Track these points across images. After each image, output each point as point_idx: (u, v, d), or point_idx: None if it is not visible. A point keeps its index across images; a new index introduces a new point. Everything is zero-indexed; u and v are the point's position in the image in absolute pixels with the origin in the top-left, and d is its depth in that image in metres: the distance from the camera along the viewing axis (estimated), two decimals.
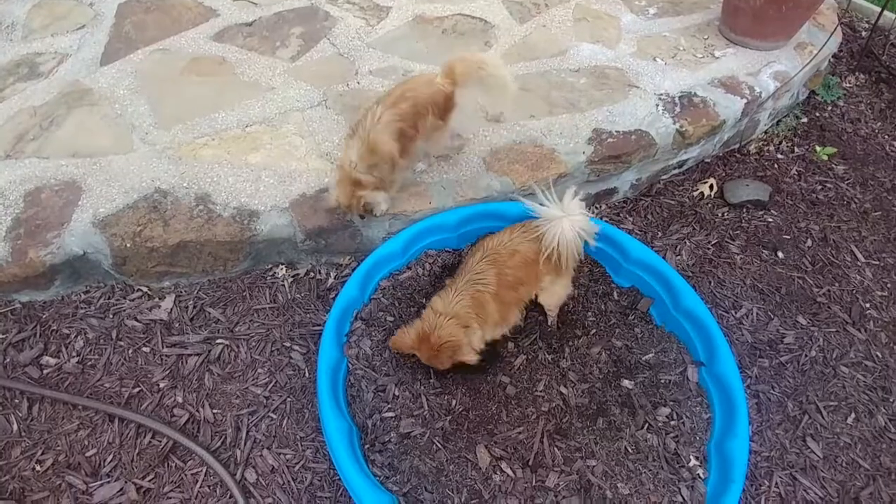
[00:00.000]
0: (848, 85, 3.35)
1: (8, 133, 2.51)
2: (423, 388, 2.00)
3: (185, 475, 1.86)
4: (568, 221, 1.86)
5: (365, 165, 2.02)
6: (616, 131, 2.52)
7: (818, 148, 2.96)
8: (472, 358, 1.85)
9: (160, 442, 1.92)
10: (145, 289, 2.28)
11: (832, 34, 2.95)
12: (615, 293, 2.27)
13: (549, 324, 2.15)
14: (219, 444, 1.93)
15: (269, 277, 2.34)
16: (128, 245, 2.15)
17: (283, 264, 2.36)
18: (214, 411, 2.00)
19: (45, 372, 2.07)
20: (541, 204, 1.92)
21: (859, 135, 3.09)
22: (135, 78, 2.75)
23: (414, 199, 2.30)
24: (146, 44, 2.92)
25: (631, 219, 2.62)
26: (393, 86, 2.18)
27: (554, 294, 2.07)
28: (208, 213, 2.23)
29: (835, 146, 2.97)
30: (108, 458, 1.90)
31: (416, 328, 1.85)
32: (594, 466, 1.85)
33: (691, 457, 1.88)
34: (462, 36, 3.02)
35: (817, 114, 3.19)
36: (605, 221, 2.42)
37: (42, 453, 1.91)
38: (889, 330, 2.31)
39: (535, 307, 2.15)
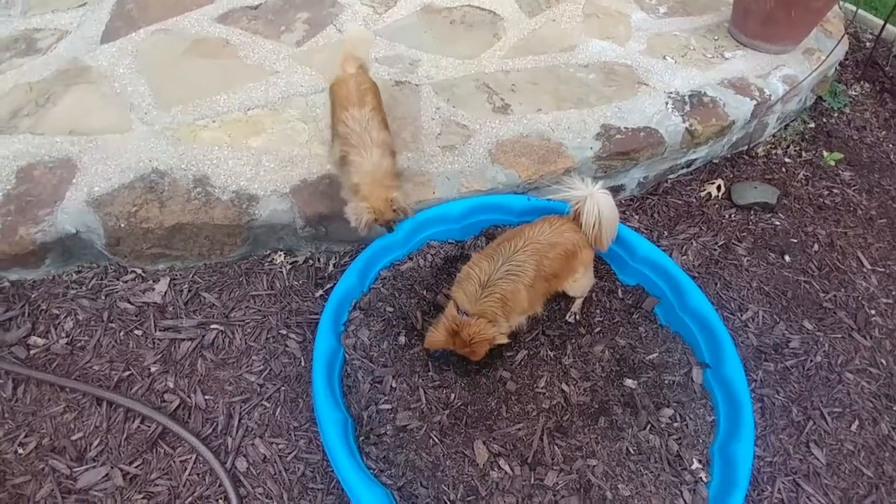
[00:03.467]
0: (853, 93, 3.34)
1: (2, 108, 2.44)
2: (421, 380, 1.95)
3: (174, 462, 1.81)
4: (601, 194, 1.87)
5: (387, 168, 1.97)
6: (625, 128, 2.48)
7: (825, 153, 2.94)
8: (504, 340, 1.83)
9: (149, 427, 1.86)
10: (139, 271, 2.22)
11: (839, 41, 2.94)
12: (620, 291, 2.23)
13: (571, 317, 2.12)
14: (209, 431, 1.87)
15: (266, 264, 2.28)
16: (122, 225, 2.09)
17: (281, 251, 2.31)
18: (206, 398, 1.94)
19: (31, 352, 2.01)
20: (568, 188, 1.93)
21: (865, 142, 3.08)
22: (135, 57, 2.69)
23: (418, 189, 2.26)
24: (148, 23, 2.86)
25: (637, 217, 2.58)
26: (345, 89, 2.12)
27: (582, 285, 2.04)
28: (206, 196, 2.17)
29: (841, 152, 2.95)
30: (95, 443, 1.84)
31: (443, 325, 1.81)
32: (594, 466, 1.81)
33: (694, 459, 1.84)
34: (470, 27, 2.98)
35: (824, 119, 3.17)
36: None
37: (25, 436, 1.84)
38: (894, 337, 2.28)
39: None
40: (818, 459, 1.95)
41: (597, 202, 1.86)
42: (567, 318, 2.12)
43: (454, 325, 1.78)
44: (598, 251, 2.08)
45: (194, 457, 1.81)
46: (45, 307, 2.12)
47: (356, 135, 1.97)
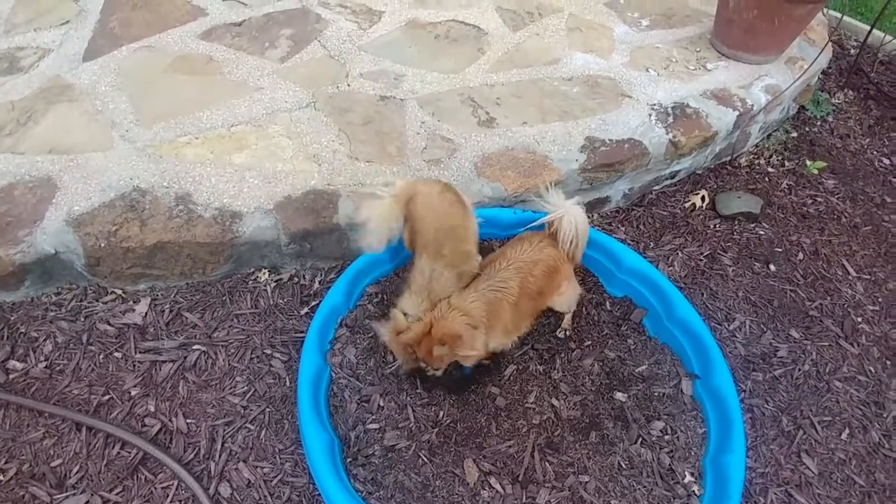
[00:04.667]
0: (837, 101, 3.38)
1: None
2: (409, 398, 1.92)
3: (155, 489, 1.76)
4: (575, 209, 1.86)
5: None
6: (609, 140, 2.49)
7: (808, 162, 2.96)
8: (468, 354, 1.74)
9: (129, 453, 1.81)
10: (119, 291, 2.18)
11: (823, 49, 2.97)
12: (608, 303, 2.22)
13: (561, 333, 2.10)
14: (192, 456, 1.82)
15: (250, 282, 2.25)
16: (102, 245, 2.05)
17: (265, 268, 2.28)
18: (188, 421, 1.90)
19: (10, 377, 1.96)
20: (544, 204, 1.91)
21: (849, 150, 3.11)
22: (117, 75, 2.67)
23: None
24: (131, 41, 2.84)
25: (623, 228, 2.58)
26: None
27: (568, 298, 2.02)
28: (188, 214, 2.15)
29: (824, 161, 2.98)
30: (75, 469, 1.79)
31: (426, 320, 1.74)
32: (587, 482, 1.79)
33: (686, 472, 1.82)
34: (455, 42, 2.99)
35: (807, 129, 3.20)
36: (598, 230, 2.38)
37: (5, 462, 1.79)
38: (881, 345, 2.28)
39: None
40: (810, 469, 1.94)
41: (574, 218, 1.85)
42: (557, 333, 2.11)
43: (434, 318, 1.71)
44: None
45: (176, 483, 1.76)
46: (24, 330, 2.07)
47: (417, 283, 1.84)
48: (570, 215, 1.85)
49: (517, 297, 1.81)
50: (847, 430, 2.04)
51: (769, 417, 2.04)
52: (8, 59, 2.75)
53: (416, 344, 1.72)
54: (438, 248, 1.80)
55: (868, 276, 2.51)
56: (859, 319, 2.35)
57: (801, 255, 2.55)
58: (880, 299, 2.43)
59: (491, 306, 1.79)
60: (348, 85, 2.70)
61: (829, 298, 2.41)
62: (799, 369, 2.17)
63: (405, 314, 1.80)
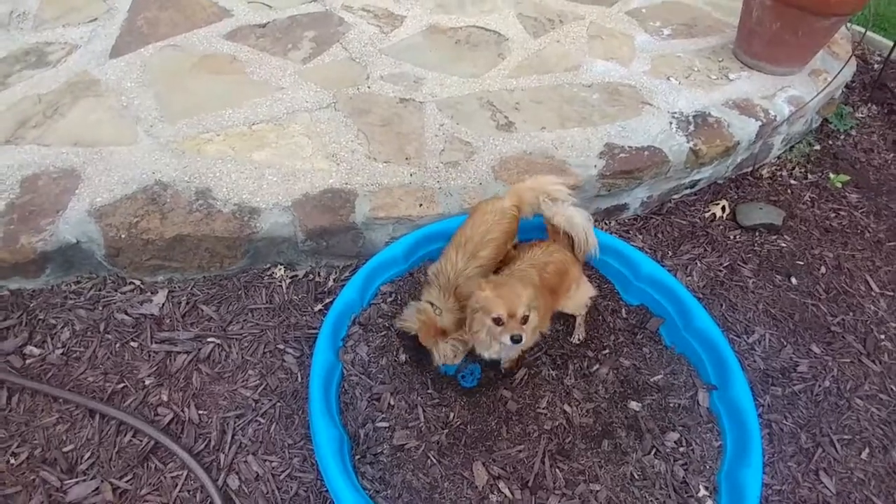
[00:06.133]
0: (860, 115, 3.33)
1: (9, 119, 2.47)
2: (420, 398, 1.91)
3: (165, 478, 1.76)
4: (571, 207, 1.96)
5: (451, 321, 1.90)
6: (628, 146, 2.47)
7: (832, 175, 2.91)
8: (531, 325, 1.65)
9: (141, 441, 1.82)
10: (138, 282, 2.21)
11: (847, 63, 2.94)
12: (623, 311, 2.19)
13: (575, 338, 2.08)
14: (202, 446, 1.83)
15: (266, 277, 2.26)
16: (122, 236, 2.08)
17: (281, 264, 2.29)
18: (200, 412, 1.90)
19: (27, 362, 1.99)
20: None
21: (872, 165, 3.05)
22: (143, 71, 2.72)
23: (419, 205, 2.24)
24: (158, 39, 2.90)
25: (641, 237, 2.55)
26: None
27: (578, 300, 2.02)
28: (208, 208, 2.17)
29: (848, 174, 2.93)
30: (86, 455, 1.80)
31: (480, 291, 1.68)
32: (598, 491, 1.75)
33: (700, 486, 1.78)
34: (475, 47, 3.01)
35: (830, 142, 3.15)
36: (615, 237, 2.35)
37: (18, 446, 1.81)
38: None
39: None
40: (828, 488, 1.89)
41: (570, 213, 1.93)
42: (572, 339, 2.09)
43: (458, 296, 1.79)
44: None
45: (185, 473, 1.77)
46: (42, 317, 2.10)
47: (447, 278, 1.89)
48: (566, 213, 1.94)
49: (539, 287, 1.80)
50: (867, 450, 1.98)
51: (787, 433, 1.99)
52: (36, 54, 2.82)
53: (468, 319, 1.71)
54: (476, 251, 1.91)
55: (892, 293, 2.45)
56: (882, 337, 2.29)
57: (823, 269, 2.50)
58: None
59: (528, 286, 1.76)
60: (369, 87, 2.72)
61: (851, 314, 2.35)
62: (819, 385, 2.12)
63: (433, 304, 1.86)
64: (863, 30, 3.38)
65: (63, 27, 2.98)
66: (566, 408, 1.92)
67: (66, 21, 3.01)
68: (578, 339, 2.08)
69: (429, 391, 1.92)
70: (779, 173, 2.94)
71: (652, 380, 2.00)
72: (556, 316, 2.09)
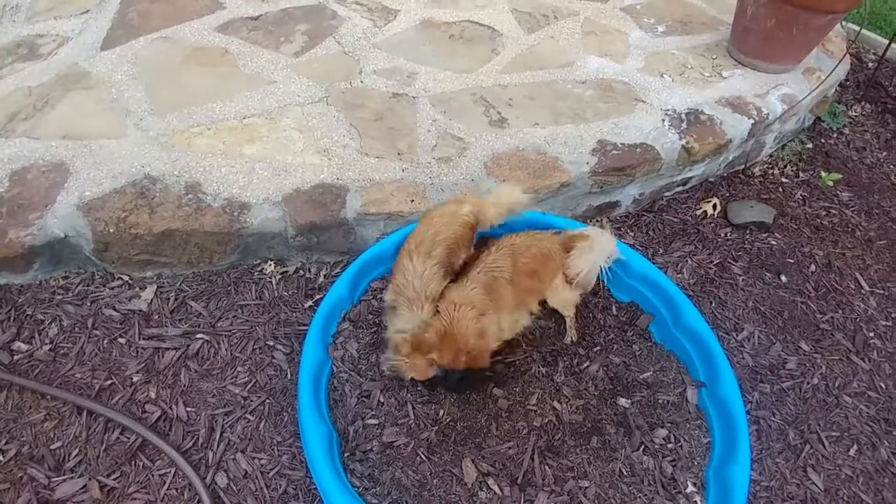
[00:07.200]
0: (854, 114, 3.34)
1: (1, 112, 2.44)
2: (409, 395, 1.91)
3: (153, 475, 1.76)
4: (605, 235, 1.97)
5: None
6: (621, 143, 2.47)
7: (823, 174, 2.92)
8: (492, 348, 1.74)
9: (128, 439, 1.81)
10: (126, 278, 2.19)
11: (841, 61, 2.94)
12: (614, 308, 2.19)
13: (567, 339, 2.07)
14: (190, 444, 1.82)
15: (256, 273, 2.25)
16: (111, 230, 2.07)
17: (271, 260, 2.28)
18: (188, 409, 1.89)
19: (15, 358, 1.97)
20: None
21: (865, 163, 3.06)
22: (134, 64, 2.69)
23: (411, 200, 2.24)
24: (149, 32, 2.87)
25: (632, 234, 2.55)
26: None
27: (565, 298, 2.01)
28: (197, 203, 2.15)
29: (840, 173, 2.94)
30: (74, 453, 1.79)
31: (435, 327, 1.72)
32: (586, 488, 1.76)
33: (689, 482, 1.79)
34: (469, 42, 2.99)
35: (822, 140, 3.16)
36: None
37: (5, 443, 1.79)
38: (893, 361, 2.24)
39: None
40: (816, 485, 1.90)
41: (591, 261, 1.93)
42: (565, 340, 2.08)
43: (446, 324, 1.70)
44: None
45: (173, 471, 1.76)
46: (30, 312, 2.09)
47: (412, 288, 1.85)
48: (588, 256, 1.92)
49: (512, 275, 1.81)
50: (855, 447, 2.00)
51: (776, 430, 2.00)
52: (28, 46, 2.79)
53: (439, 356, 1.71)
54: (429, 250, 1.88)
55: (882, 291, 2.46)
56: (871, 334, 2.31)
57: (813, 267, 2.51)
58: (893, 315, 2.38)
59: (489, 288, 1.79)
60: (361, 81, 2.70)
61: (840, 312, 2.36)
62: (808, 382, 2.13)
63: (402, 333, 1.80)
64: (857, 28, 3.38)
65: (55, 19, 2.94)
66: (556, 405, 1.92)
67: (58, 13, 2.98)
68: (570, 341, 2.08)
69: (418, 388, 1.92)
70: (770, 171, 2.94)
71: (641, 377, 2.01)
72: (546, 314, 2.09)
